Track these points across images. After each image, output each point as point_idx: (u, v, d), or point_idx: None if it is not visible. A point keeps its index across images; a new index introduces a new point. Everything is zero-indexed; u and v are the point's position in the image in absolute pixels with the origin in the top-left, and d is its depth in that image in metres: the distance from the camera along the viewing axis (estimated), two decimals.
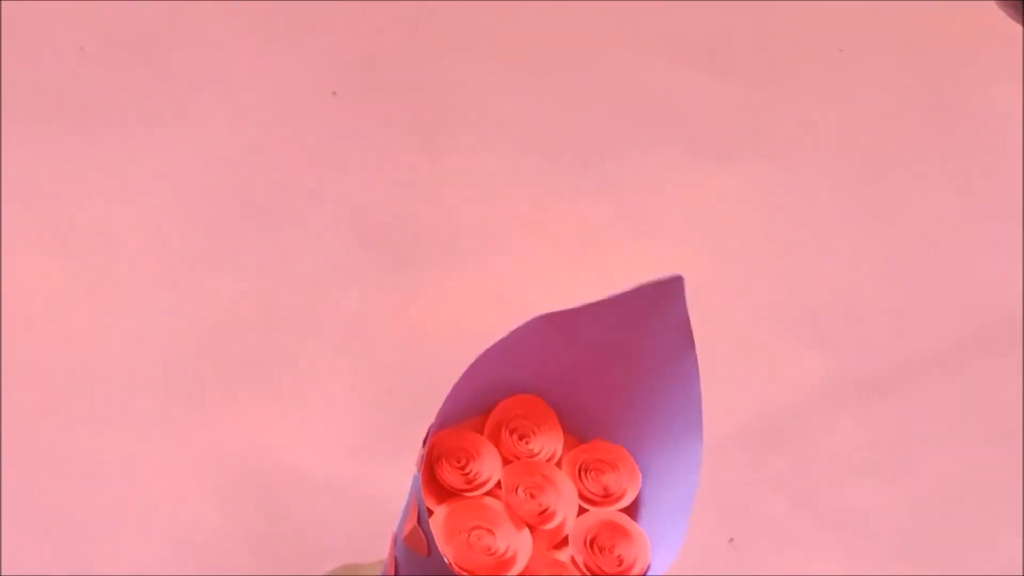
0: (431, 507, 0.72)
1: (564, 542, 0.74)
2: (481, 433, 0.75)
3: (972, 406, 1.25)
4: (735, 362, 1.26)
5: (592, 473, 0.76)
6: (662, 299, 0.73)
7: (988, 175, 1.38)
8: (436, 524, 0.72)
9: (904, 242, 1.35)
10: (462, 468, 0.74)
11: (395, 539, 0.74)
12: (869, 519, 1.17)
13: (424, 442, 0.72)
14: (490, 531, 0.72)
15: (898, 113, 1.42)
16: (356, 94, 1.36)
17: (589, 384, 0.76)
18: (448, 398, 0.71)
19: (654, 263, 1.31)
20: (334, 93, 1.36)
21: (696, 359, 0.74)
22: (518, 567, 0.72)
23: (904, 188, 1.37)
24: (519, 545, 0.72)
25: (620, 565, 0.73)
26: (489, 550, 0.71)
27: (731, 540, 1.16)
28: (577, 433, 0.77)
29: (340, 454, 1.13)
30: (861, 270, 1.32)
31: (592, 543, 0.73)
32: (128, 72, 1.35)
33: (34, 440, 1.20)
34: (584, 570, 0.73)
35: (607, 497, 0.75)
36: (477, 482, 0.73)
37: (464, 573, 0.70)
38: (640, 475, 0.76)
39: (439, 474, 0.73)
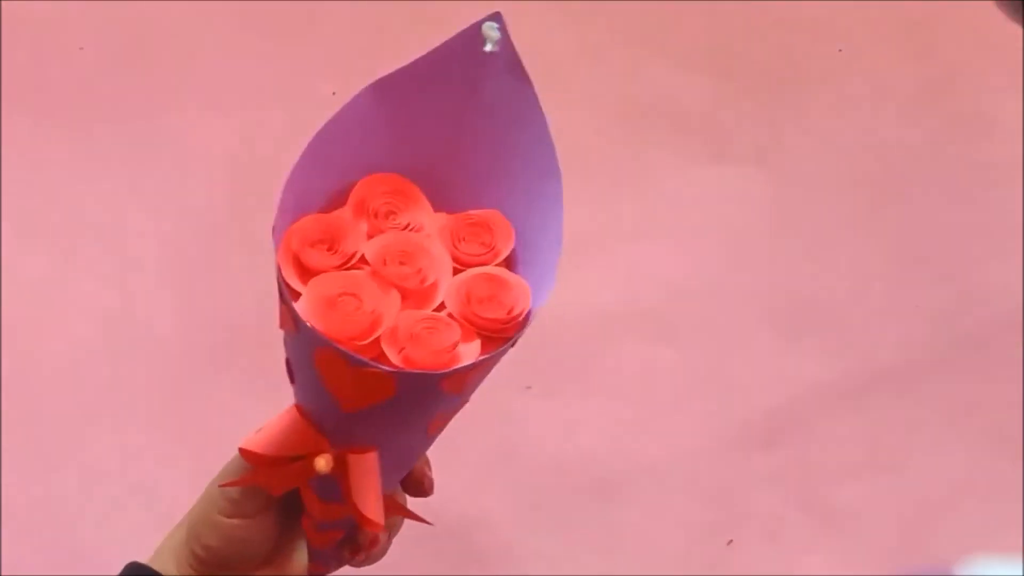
0: (299, 291, 0.69)
1: (440, 308, 0.71)
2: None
3: (971, 406, 1.25)
4: (733, 363, 1.26)
5: (466, 240, 0.72)
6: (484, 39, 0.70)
7: (988, 175, 1.38)
8: (302, 299, 0.69)
9: (903, 242, 1.35)
10: (329, 249, 0.70)
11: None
12: (868, 519, 1.17)
13: (273, 230, 0.69)
14: (355, 295, 0.69)
15: (897, 113, 1.41)
16: (355, 94, 1.36)
17: (442, 152, 0.72)
18: (289, 182, 0.68)
19: (650, 264, 1.31)
20: (334, 93, 1.35)
21: (535, 92, 0.71)
22: (388, 321, 0.69)
23: (903, 188, 1.37)
24: (386, 306, 0.69)
25: (501, 310, 0.70)
26: (356, 310, 0.68)
27: (730, 542, 1.16)
28: (444, 207, 0.74)
29: None
30: (859, 270, 1.32)
31: (468, 296, 0.70)
32: (128, 72, 1.35)
33: (34, 440, 1.20)
34: (461, 320, 0.70)
35: (484, 256, 0.72)
36: (345, 258, 0.70)
37: (329, 337, 0.67)
38: (513, 231, 0.72)
39: (304, 259, 0.70)
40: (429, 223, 0.73)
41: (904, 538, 1.18)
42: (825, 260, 1.33)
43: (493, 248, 0.72)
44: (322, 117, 1.22)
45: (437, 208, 0.74)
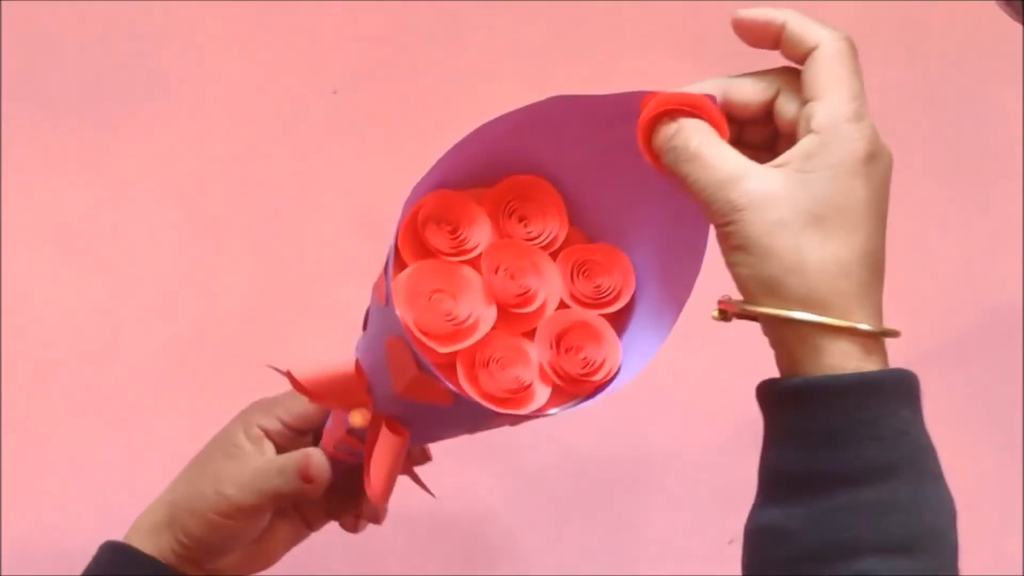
0: (408, 263, 0.68)
1: (533, 334, 0.69)
2: (480, 204, 0.70)
3: (971, 405, 1.25)
4: (735, 360, 1.26)
5: (586, 273, 0.70)
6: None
7: (988, 174, 1.38)
8: (401, 280, 0.67)
9: (903, 241, 1.35)
10: (451, 232, 0.68)
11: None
12: None
13: (412, 193, 0.67)
14: (453, 296, 0.67)
15: (898, 112, 1.42)
16: (356, 92, 1.36)
17: (602, 180, 0.70)
18: (446, 156, 0.65)
19: None
20: (335, 92, 1.36)
21: None
22: (475, 338, 0.66)
23: (903, 187, 1.37)
24: (482, 316, 0.67)
25: (584, 367, 0.68)
26: (448, 315, 0.66)
27: (731, 542, 1.16)
28: (583, 229, 0.71)
29: None
30: None
31: (559, 341, 0.68)
32: (128, 72, 1.35)
33: (34, 439, 1.20)
34: (545, 368, 0.68)
35: (595, 301, 0.70)
36: (462, 248, 0.68)
37: (413, 330, 0.65)
38: (634, 287, 0.71)
39: (425, 234, 0.68)
40: (559, 238, 0.70)
41: None
42: None
43: (609, 295, 0.70)
44: (322, 117, 1.22)
45: (574, 223, 0.71)
